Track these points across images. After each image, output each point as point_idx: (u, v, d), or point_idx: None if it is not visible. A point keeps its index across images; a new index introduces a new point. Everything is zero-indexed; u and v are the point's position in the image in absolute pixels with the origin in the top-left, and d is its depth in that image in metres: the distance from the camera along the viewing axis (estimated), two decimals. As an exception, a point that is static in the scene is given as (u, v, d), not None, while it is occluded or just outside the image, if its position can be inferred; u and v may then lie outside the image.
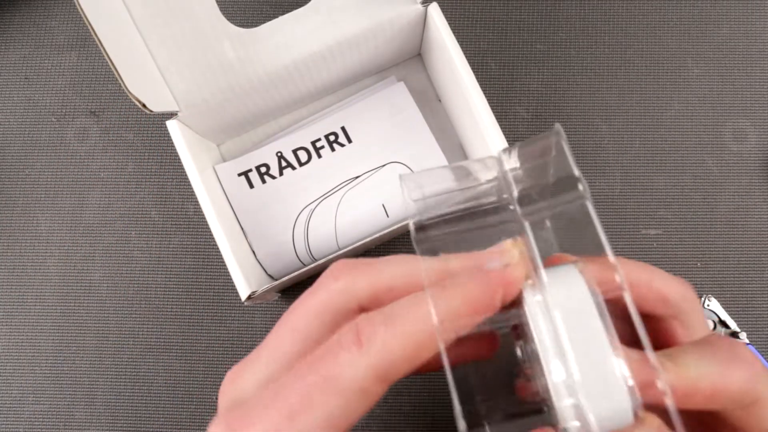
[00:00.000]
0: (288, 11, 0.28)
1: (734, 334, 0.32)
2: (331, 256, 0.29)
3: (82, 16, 0.23)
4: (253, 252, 0.32)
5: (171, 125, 0.28)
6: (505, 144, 0.28)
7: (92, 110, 0.36)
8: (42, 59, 0.36)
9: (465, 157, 0.34)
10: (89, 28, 0.23)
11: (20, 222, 0.35)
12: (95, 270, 0.34)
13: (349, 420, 0.14)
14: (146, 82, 0.26)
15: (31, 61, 0.36)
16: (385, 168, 0.33)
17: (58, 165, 0.35)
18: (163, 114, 0.27)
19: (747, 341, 0.32)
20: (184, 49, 0.28)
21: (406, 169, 0.33)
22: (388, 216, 0.32)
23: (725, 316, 0.32)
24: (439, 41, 0.29)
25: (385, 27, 0.30)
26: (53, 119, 0.36)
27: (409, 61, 0.35)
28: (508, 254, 0.16)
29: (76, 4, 0.23)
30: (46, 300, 0.34)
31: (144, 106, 0.24)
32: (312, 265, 0.29)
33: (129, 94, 0.24)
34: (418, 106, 0.34)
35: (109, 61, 0.23)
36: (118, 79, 0.24)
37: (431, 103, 0.35)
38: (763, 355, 0.32)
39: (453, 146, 0.34)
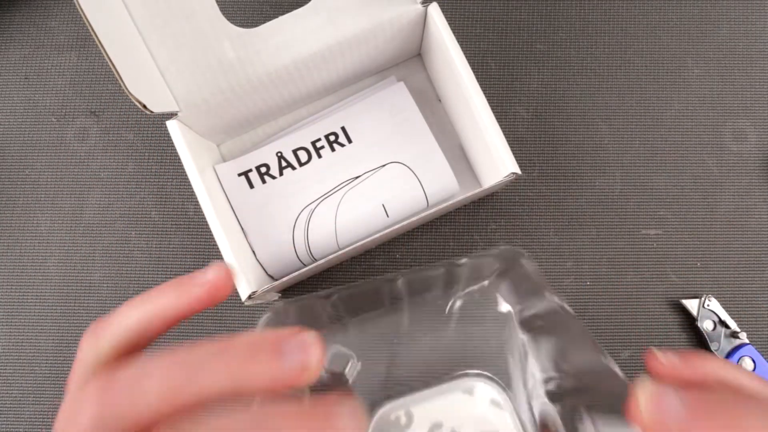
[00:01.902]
0: (288, 11, 0.28)
1: (734, 334, 0.32)
2: (331, 256, 0.29)
3: (83, 16, 0.23)
4: (253, 252, 0.32)
5: (171, 125, 0.28)
6: (504, 143, 0.28)
7: (92, 110, 0.36)
8: (42, 59, 0.36)
9: (465, 157, 0.34)
10: (89, 28, 0.23)
11: (20, 222, 0.35)
12: (95, 270, 0.34)
13: None
14: (146, 82, 0.26)
15: (31, 61, 0.36)
16: (385, 168, 0.33)
17: (58, 165, 0.35)
18: (163, 114, 0.27)
19: (747, 341, 0.32)
20: (184, 49, 0.28)
21: (406, 169, 0.33)
22: (388, 216, 0.32)
23: (725, 316, 0.32)
24: (439, 41, 0.29)
25: (385, 27, 0.30)
26: (53, 119, 0.36)
27: (409, 61, 0.35)
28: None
29: (76, 4, 0.23)
30: (46, 300, 0.34)
31: (144, 106, 0.24)
32: (312, 266, 0.29)
33: (129, 95, 0.24)
34: (418, 106, 0.34)
35: (109, 62, 0.23)
36: (119, 79, 0.24)
37: (431, 103, 0.35)
38: (763, 355, 0.32)
39: (453, 146, 0.34)
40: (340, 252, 0.29)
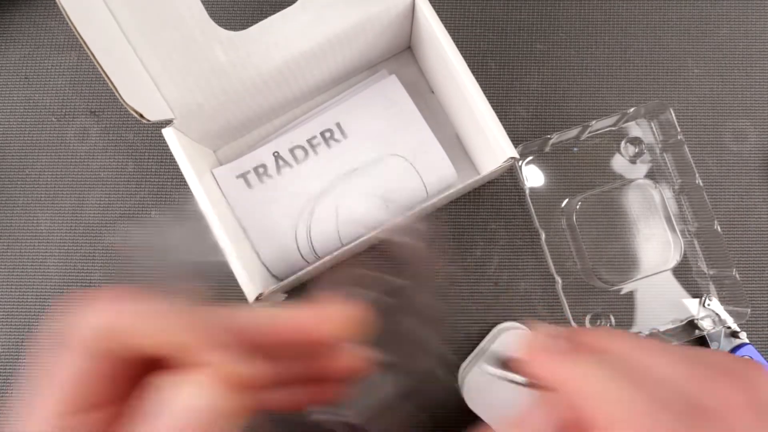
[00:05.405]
0: (276, 11, 0.28)
1: (734, 334, 0.32)
2: (336, 253, 0.29)
3: (73, 29, 0.23)
4: (257, 253, 0.32)
5: (167, 133, 0.28)
6: (501, 129, 0.28)
7: (92, 110, 0.36)
8: (42, 59, 0.36)
9: (461, 146, 0.34)
10: (81, 40, 0.23)
11: (20, 222, 0.35)
12: (95, 270, 0.34)
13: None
14: (141, 91, 0.26)
15: (31, 61, 0.36)
16: (382, 161, 0.33)
17: (58, 165, 0.35)
18: (158, 122, 0.27)
19: (747, 341, 0.32)
20: (175, 56, 0.27)
21: (404, 161, 0.33)
22: (388, 209, 0.32)
23: (725, 316, 0.32)
24: (428, 31, 0.29)
25: (374, 21, 0.29)
26: (53, 119, 0.36)
27: (400, 54, 0.35)
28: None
29: (67, 18, 0.23)
30: (46, 300, 0.34)
31: (141, 116, 0.24)
32: (316, 264, 0.29)
33: (125, 105, 0.24)
34: (411, 98, 0.33)
35: (103, 73, 0.23)
36: (114, 90, 0.24)
37: (424, 95, 0.35)
38: (763, 355, 0.32)
39: (449, 136, 0.34)
40: (344, 248, 0.29)
